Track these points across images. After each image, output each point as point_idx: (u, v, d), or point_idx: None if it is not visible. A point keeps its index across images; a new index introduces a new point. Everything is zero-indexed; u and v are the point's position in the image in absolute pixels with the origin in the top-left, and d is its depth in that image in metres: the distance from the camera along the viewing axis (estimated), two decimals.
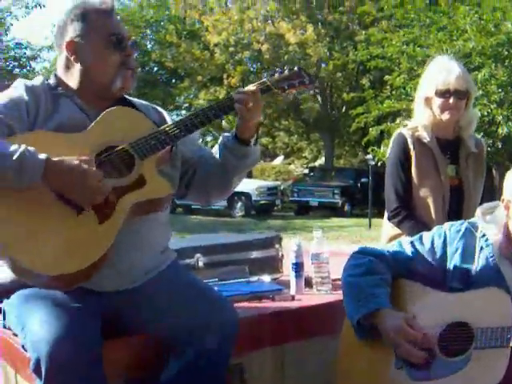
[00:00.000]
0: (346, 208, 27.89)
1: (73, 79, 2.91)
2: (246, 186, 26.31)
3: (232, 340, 2.79)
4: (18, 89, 2.83)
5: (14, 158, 2.45)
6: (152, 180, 2.73)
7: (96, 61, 2.88)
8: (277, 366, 3.29)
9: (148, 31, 39.93)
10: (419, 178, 3.94)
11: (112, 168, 2.72)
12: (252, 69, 37.71)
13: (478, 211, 2.91)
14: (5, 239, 2.50)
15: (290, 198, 29.50)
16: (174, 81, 40.43)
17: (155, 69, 40.64)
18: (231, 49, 34.85)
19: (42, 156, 2.50)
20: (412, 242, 2.95)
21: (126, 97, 3.08)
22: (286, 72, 3.05)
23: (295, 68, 3.09)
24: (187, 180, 3.14)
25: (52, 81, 2.94)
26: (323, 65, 35.84)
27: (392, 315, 2.70)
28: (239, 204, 26.81)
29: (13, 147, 2.49)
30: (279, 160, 46.49)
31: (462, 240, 2.85)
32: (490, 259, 2.74)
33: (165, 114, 3.17)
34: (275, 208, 29.48)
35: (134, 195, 2.68)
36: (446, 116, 3.89)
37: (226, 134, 3.08)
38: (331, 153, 38.04)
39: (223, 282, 3.58)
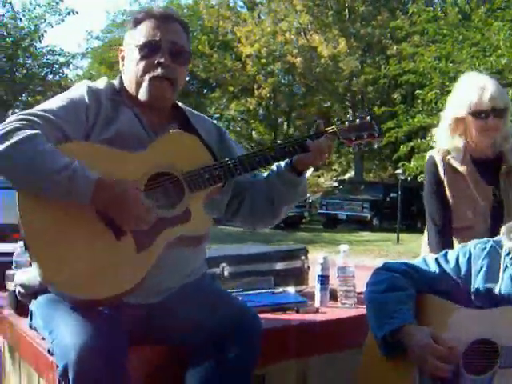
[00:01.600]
0: (375, 222, 27.81)
1: (127, 86, 2.91)
2: None
3: (256, 350, 2.76)
4: (80, 90, 2.82)
5: (64, 174, 2.45)
6: (197, 216, 2.69)
7: (129, 66, 2.87)
8: (299, 378, 3.27)
9: None
10: (455, 205, 3.81)
11: (160, 195, 2.70)
12: (283, 80, 37.81)
13: (503, 229, 2.86)
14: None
15: (319, 211, 29.50)
16: (205, 91, 40.65)
17: (187, 78, 40.83)
18: (263, 60, 35.02)
19: (94, 176, 2.49)
20: (437, 259, 2.91)
21: (186, 108, 3.06)
22: (357, 122, 2.91)
23: (367, 118, 2.91)
24: (236, 206, 3.10)
25: (117, 84, 2.93)
26: (355, 78, 35.83)
27: (417, 330, 2.67)
28: None
29: (64, 161, 2.48)
30: (309, 172, 46.21)
31: (486, 258, 2.80)
32: None
33: (226, 134, 3.15)
34: (303, 220, 29.44)
35: (177, 229, 2.65)
36: (484, 138, 3.69)
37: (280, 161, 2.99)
38: (361, 166, 38.03)
39: (248, 293, 3.58)
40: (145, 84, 2.82)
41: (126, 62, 2.90)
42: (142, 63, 2.82)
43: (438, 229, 3.87)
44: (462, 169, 3.75)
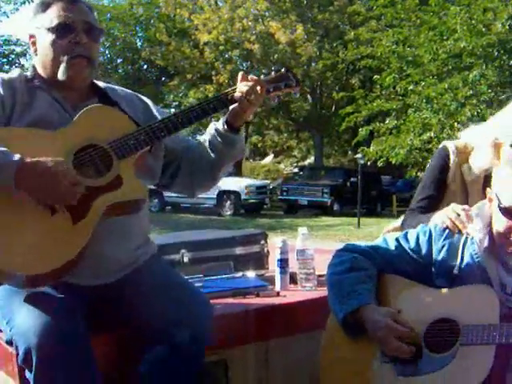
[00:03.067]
0: (335, 207, 27.94)
1: (41, 71, 2.87)
2: (235, 184, 26.34)
3: (206, 336, 2.76)
4: None
5: None
6: (129, 181, 2.68)
7: (43, 50, 2.83)
8: (261, 361, 3.28)
9: (138, 29, 39.85)
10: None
11: (89, 168, 2.67)
12: (242, 67, 37.70)
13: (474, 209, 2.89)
14: None
15: (279, 197, 29.53)
16: (163, 79, 40.40)
17: (145, 67, 40.61)
18: (221, 47, 34.85)
19: (16, 157, 2.46)
20: (397, 239, 2.93)
21: (106, 85, 3.03)
22: (273, 74, 2.98)
23: (282, 70, 3.00)
24: (172, 171, 3.09)
25: (29, 72, 2.90)
26: (313, 64, 35.85)
27: (377, 311, 2.70)
28: (228, 203, 26.75)
29: None
30: (269, 159, 46.55)
31: (447, 238, 2.83)
32: (475, 256, 2.73)
33: (150, 103, 3.13)
34: (264, 207, 29.46)
35: (109, 196, 2.63)
36: None
37: (215, 122, 3.04)
38: (321, 152, 38.12)
39: (208, 278, 3.57)
40: (63, 65, 2.78)
41: (38, 47, 2.86)
42: (58, 44, 2.79)
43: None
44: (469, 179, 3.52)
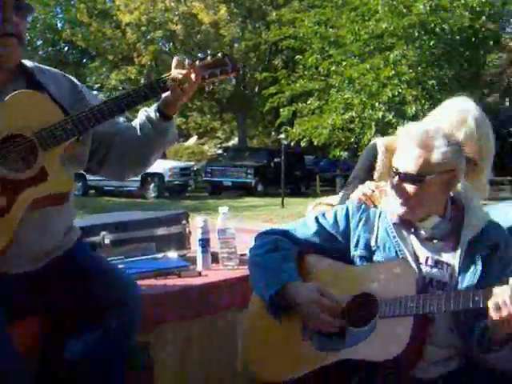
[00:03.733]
0: (259, 188, 28.06)
1: None
2: (158, 166, 26.10)
3: (136, 318, 2.76)
4: None
5: None
6: (54, 173, 2.61)
7: None
8: (184, 341, 3.28)
9: (58, 10, 39.14)
10: None
11: (14, 158, 2.60)
12: (164, 48, 37.45)
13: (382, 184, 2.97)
14: None
15: (204, 179, 29.51)
16: (84, 60, 39.84)
17: (66, 48, 39.96)
18: (143, 28, 34.53)
19: None
20: (316, 218, 2.96)
21: (33, 65, 2.91)
22: (209, 59, 2.82)
23: (219, 54, 2.84)
24: (101, 155, 3.00)
25: None
26: (236, 45, 35.83)
27: (303, 286, 2.73)
28: (152, 185, 26.54)
29: None
30: (192, 140, 46.34)
31: (363, 212, 2.91)
32: (388, 229, 2.82)
33: (78, 84, 3.04)
34: (189, 188, 29.38)
35: (34, 190, 2.57)
36: None
37: (146, 108, 2.95)
38: (244, 133, 38.21)
39: (129, 260, 3.55)
40: None
41: None
42: None
43: None
44: None
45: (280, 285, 2.72)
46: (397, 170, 2.71)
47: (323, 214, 2.97)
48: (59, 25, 39.27)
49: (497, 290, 2.40)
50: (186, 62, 2.77)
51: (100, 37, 35.32)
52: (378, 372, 2.54)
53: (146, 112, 2.92)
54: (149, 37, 35.09)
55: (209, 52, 2.94)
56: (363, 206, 2.94)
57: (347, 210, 2.93)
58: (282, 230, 2.99)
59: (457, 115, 3.39)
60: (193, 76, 2.74)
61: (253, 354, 2.90)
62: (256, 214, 19.69)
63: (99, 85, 39.57)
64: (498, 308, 2.37)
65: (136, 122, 2.96)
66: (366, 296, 2.67)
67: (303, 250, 2.92)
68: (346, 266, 2.84)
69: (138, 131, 2.93)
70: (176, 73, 2.75)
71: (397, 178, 2.71)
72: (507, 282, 2.41)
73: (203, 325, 3.31)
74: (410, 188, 2.69)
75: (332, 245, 2.90)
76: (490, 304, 2.38)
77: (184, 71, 2.74)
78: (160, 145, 2.98)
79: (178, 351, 3.26)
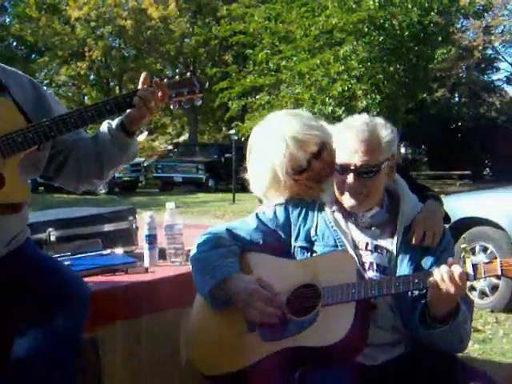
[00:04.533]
0: (210, 183, 28.05)
1: None
2: None
3: (83, 315, 2.74)
4: None
5: None
6: (12, 182, 2.58)
7: None
8: (132, 338, 3.26)
9: (7, 5, 38.58)
10: None
11: None
12: (114, 44, 37.21)
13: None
14: None
15: (154, 175, 29.43)
16: (33, 56, 39.37)
17: (14, 44, 39.44)
18: (92, 23, 34.27)
19: None
20: (256, 214, 3.02)
21: None
22: (177, 78, 2.82)
23: (188, 74, 2.83)
24: (58, 163, 2.97)
25: None
26: (186, 40, 35.75)
27: (243, 279, 2.76)
28: None
29: None
30: (143, 136, 46.03)
31: (302, 206, 2.97)
32: (327, 219, 2.89)
33: (42, 88, 3.00)
34: (139, 185, 29.28)
35: None
36: None
37: (109, 121, 2.91)
38: (195, 128, 38.16)
39: (75, 256, 3.52)
40: None
41: None
42: None
43: None
44: None
45: (220, 278, 2.75)
46: (349, 165, 2.75)
47: (263, 211, 3.03)
48: (7, 20, 38.74)
49: (435, 269, 2.51)
50: (154, 80, 2.76)
51: (49, 32, 34.94)
52: (324, 361, 2.56)
53: (109, 124, 2.89)
54: (98, 32, 34.83)
55: (177, 71, 2.90)
56: (302, 201, 2.99)
57: (286, 205, 2.99)
58: (223, 229, 3.02)
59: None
60: (159, 94, 2.74)
61: (195, 349, 2.91)
62: (207, 209, 19.70)
63: (48, 81, 39.17)
64: (436, 285, 2.47)
65: (98, 133, 2.93)
66: (308, 287, 2.72)
67: (245, 246, 2.96)
68: (287, 260, 2.89)
69: (99, 143, 2.91)
70: (143, 90, 2.74)
71: (351, 174, 2.75)
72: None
73: (151, 321, 3.28)
74: (365, 181, 2.76)
75: (273, 239, 2.96)
76: (429, 283, 2.48)
77: (151, 89, 2.74)
78: (118, 159, 2.96)
79: (127, 347, 3.24)
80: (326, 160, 2.94)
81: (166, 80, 2.79)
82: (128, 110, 2.81)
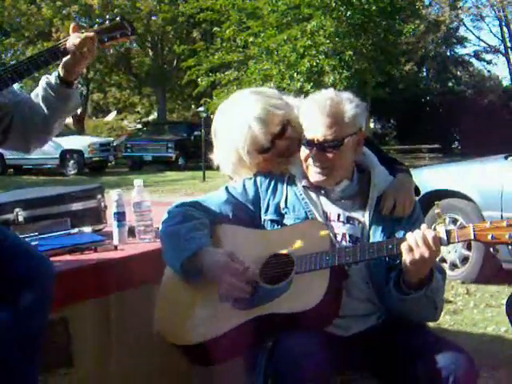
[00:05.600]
0: (180, 162, 27.95)
1: None
2: (77, 142, 25.93)
3: (48, 295, 2.71)
4: None
5: None
6: None
7: None
8: (103, 316, 3.25)
9: None
10: None
11: None
12: (81, 23, 36.83)
13: None
14: None
15: (124, 154, 29.24)
16: None
17: None
18: (58, 3, 33.86)
19: None
20: (226, 187, 3.02)
21: None
22: (107, 23, 2.91)
23: (117, 18, 2.93)
24: (4, 127, 2.97)
25: None
26: (153, 18, 35.47)
27: (214, 252, 2.76)
28: (71, 162, 26.27)
29: None
30: (112, 116, 45.87)
31: (271, 179, 2.98)
32: (296, 191, 2.91)
33: None
34: (109, 164, 29.10)
35: None
36: None
37: (47, 75, 2.94)
38: (164, 107, 37.95)
39: (43, 236, 3.49)
40: None
41: None
42: None
43: None
44: None
45: (193, 251, 2.74)
46: (313, 140, 2.78)
47: (233, 185, 3.03)
48: None
49: (409, 234, 2.53)
50: (82, 27, 2.85)
51: (14, 12, 34.45)
52: (297, 328, 2.56)
53: (47, 78, 2.92)
54: (64, 12, 34.42)
55: (107, 17, 2.94)
56: (271, 174, 3.00)
57: (255, 178, 3.00)
58: (193, 201, 3.02)
59: None
60: (90, 38, 2.79)
61: (166, 321, 2.90)
62: (177, 188, 19.67)
63: (14, 61, 38.71)
64: (410, 250, 2.50)
65: (37, 90, 2.96)
66: (281, 256, 2.74)
67: (215, 219, 2.95)
68: (259, 231, 2.91)
69: (40, 98, 2.93)
70: (74, 37, 2.79)
71: (314, 148, 2.78)
72: None
73: (121, 298, 3.27)
74: (329, 155, 2.78)
75: (243, 213, 2.97)
76: (403, 247, 2.51)
77: (82, 35, 2.78)
78: (61, 111, 2.98)
79: (97, 325, 3.23)
80: (292, 137, 2.96)
81: (96, 26, 2.91)
82: (63, 60, 2.86)
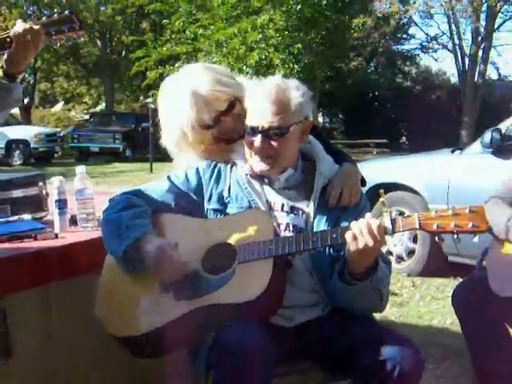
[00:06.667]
0: (128, 153, 27.85)
1: None
2: (23, 133, 25.66)
3: None
4: None
5: None
6: None
7: None
8: (43, 306, 3.18)
9: None
10: None
11: None
12: (29, 12, 36.37)
13: None
14: None
15: (71, 144, 29.05)
16: None
17: None
18: None
19: None
20: (168, 176, 2.99)
21: None
22: (55, 16, 2.80)
23: (66, 12, 2.82)
24: None
25: None
26: (102, 8, 35.21)
27: (156, 239, 2.72)
28: (17, 152, 26.06)
29: None
30: (59, 106, 45.43)
31: (214, 168, 2.97)
32: (240, 180, 2.90)
33: None
34: (55, 155, 28.82)
35: None
36: None
37: None
38: (112, 98, 37.72)
39: None
40: None
41: None
42: None
43: None
44: None
45: (134, 238, 2.70)
46: (257, 127, 2.75)
47: (176, 173, 3.00)
48: None
49: (353, 223, 2.51)
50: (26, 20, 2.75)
51: None
52: (241, 318, 2.53)
53: None
54: (13, 0, 33.99)
55: (55, 10, 2.88)
56: (213, 162, 2.98)
57: (198, 167, 2.97)
58: (134, 190, 2.99)
59: None
60: (35, 30, 2.72)
61: (106, 311, 2.86)
62: (124, 179, 19.53)
63: None
64: (354, 239, 2.49)
65: None
66: (223, 245, 2.71)
67: (156, 208, 2.91)
68: (201, 220, 2.87)
69: None
70: (18, 28, 2.72)
71: (259, 135, 2.74)
72: None
73: (62, 287, 3.20)
74: (273, 143, 2.76)
75: (185, 202, 2.93)
76: (347, 236, 2.50)
77: (27, 25, 2.72)
78: (2, 105, 2.91)
79: (37, 315, 3.16)
80: (238, 115, 2.93)
81: (44, 18, 2.80)
82: (7, 52, 2.79)
